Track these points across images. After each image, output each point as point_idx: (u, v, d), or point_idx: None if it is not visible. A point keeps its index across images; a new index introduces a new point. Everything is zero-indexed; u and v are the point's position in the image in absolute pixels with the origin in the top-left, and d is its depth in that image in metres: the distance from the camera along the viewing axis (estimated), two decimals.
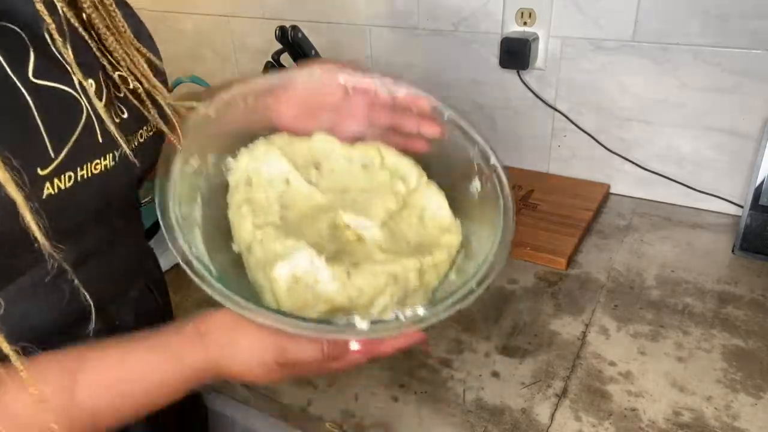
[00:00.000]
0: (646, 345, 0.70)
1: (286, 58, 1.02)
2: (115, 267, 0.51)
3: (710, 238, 0.92)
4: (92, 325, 0.47)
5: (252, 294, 0.46)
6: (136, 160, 0.44)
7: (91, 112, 0.41)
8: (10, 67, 0.36)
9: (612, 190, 1.07)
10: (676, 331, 0.72)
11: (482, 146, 0.54)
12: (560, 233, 0.91)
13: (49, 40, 0.39)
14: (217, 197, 0.51)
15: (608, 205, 1.03)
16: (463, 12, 1.06)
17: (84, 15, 0.41)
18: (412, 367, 0.67)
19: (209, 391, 0.71)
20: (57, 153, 0.38)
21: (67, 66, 0.39)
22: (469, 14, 1.06)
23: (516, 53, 1.00)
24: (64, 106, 0.39)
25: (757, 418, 0.59)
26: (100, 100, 0.41)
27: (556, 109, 1.05)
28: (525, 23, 1.02)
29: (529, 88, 1.06)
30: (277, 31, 0.98)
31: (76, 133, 0.40)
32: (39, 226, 0.35)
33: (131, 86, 0.45)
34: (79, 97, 0.40)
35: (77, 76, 0.39)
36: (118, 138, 0.41)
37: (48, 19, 0.37)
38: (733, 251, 0.88)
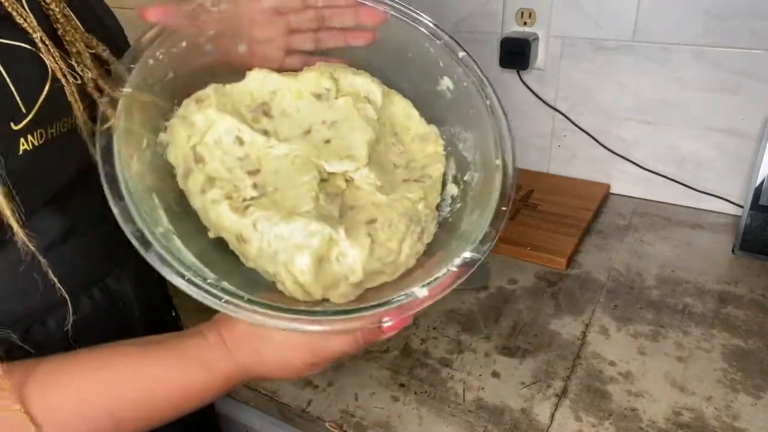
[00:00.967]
0: (646, 345, 0.70)
1: None
2: (108, 239, 0.51)
3: (710, 238, 0.92)
4: (84, 299, 0.48)
5: (254, 282, 0.42)
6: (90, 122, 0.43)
7: (59, 72, 0.41)
8: None
9: (612, 190, 1.07)
10: (676, 331, 0.72)
11: (445, 39, 0.49)
12: (560, 233, 0.91)
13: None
14: (167, 181, 0.44)
15: (608, 205, 1.03)
16: (463, 12, 1.06)
17: None
18: (412, 367, 0.67)
19: None
20: (29, 109, 0.39)
21: (24, 27, 0.39)
22: (469, 14, 1.06)
23: (516, 53, 1.00)
24: (28, 64, 0.40)
25: (757, 418, 0.59)
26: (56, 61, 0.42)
27: (556, 109, 1.05)
28: (525, 23, 1.02)
29: (529, 88, 1.06)
30: None
31: (45, 89, 0.40)
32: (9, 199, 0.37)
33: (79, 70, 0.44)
34: (42, 58, 0.40)
35: (38, 34, 0.39)
36: (73, 96, 0.41)
37: None
38: (733, 251, 0.88)
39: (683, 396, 0.62)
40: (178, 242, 0.39)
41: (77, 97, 0.41)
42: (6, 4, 0.38)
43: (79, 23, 0.43)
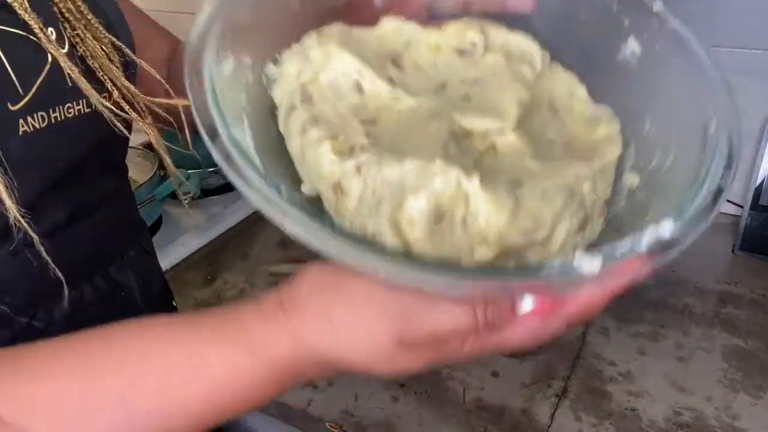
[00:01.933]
0: (646, 345, 0.70)
1: None
2: (106, 229, 0.51)
3: (710, 238, 0.92)
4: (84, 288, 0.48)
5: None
6: (105, 108, 0.43)
7: (57, 58, 0.42)
8: None
9: None
10: (676, 331, 0.72)
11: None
12: None
13: None
14: (266, 120, 0.36)
15: None
16: None
17: None
18: None
19: None
20: (26, 90, 0.40)
21: (21, 15, 0.40)
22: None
23: None
24: (25, 50, 0.40)
25: (757, 418, 0.59)
26: (63, 48, 0.42)
27: None
28: None
29: None
30: None
31: (43, 74, 0.41)
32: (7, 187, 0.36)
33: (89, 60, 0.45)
34: (40, 44, 0.41)
35: (34, 23, 0.40)
36: (82, 83, 0.42)
37: None
38: (733, 251, 0.88)
39: (683, 396, 0.62)
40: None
41: (84, 80, 0.42)
42: None
43: (82, 7, 0.44)
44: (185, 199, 0.77)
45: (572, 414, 0.61)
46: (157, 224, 0.96)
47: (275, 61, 0.37)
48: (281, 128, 0.36)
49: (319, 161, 0.33)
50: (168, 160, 0.52)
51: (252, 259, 0.87)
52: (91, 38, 0.44)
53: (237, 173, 0.27)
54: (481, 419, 0.60)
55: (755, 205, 0.84)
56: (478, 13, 0.41)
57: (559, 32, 0.41)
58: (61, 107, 0.42)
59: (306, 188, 0.34)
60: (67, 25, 0.43)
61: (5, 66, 0.39)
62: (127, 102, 0.46)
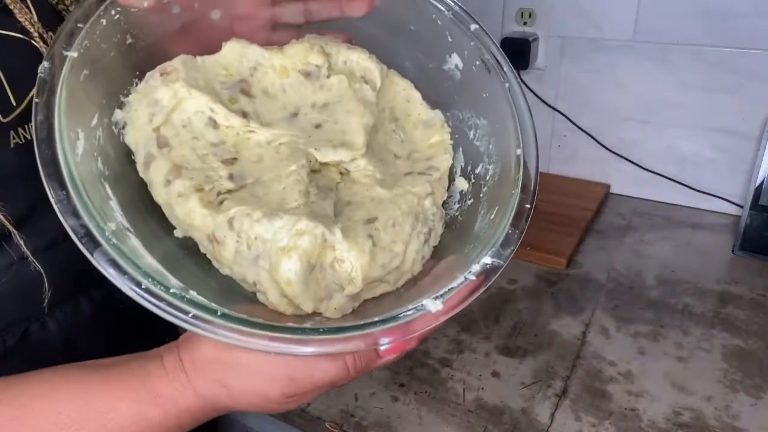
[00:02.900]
0: (646, 345, 0.70)
1: None
2: None
3: (710, 238, 0.92)
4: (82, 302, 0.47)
5: (230, 292, 0.36)
6: None
7: None
8: None
9: (612, 190, 1.07)
10: (676, 331, 0.72)
11: (456, 9, 0.41)
12: (560, 233, 0.91)
13: None
14: (126, 168, 0.37)
15: (608, 205, 1.03)
16: None
17: None
18: (412, 367, 0.67)
19: None
20: (19, 101, 0.39)
21: (23, 22, 0.39)
22: None
23: (516, 53, 1.00)
24: (22, 54, 0.39)
25: (757, 418, 0.59)
26: None
27: (556, 110, 1.05)
28: (525, 23, 1.02)
29: (529, 88, 1.06)
30: None
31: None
32: None
33: None
34: (39, 47, 0.40)
35: (34, 29, 0.39)
36: None
37: None
38: (733, 251, 0.88)
39: (683, 396, 0.62)
40: (135, 242, 0.32)
41: None
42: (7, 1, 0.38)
43: None
44: None
45: (572, 414, 0.61)
46: None
47: (120, 105, 0.37)
48: (142, 176, 0.37)
49: (189, 215, 0.35)
50: None
51: None
52: None
53: (117, 277, 0.30)
54: (481, 419, 0.60)
55: (755, 205, 0.84)
56: (318, 20, 0.45)
57: (395, 42, 0.45)
58: None
59: (179, 233, 0.36)
60: None
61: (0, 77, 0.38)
62: None
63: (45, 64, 0.32)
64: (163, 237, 0.36)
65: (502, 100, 0.40)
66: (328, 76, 0.42)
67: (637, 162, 1.02)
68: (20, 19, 0.39)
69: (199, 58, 0.40)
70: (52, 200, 0.30)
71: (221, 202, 0.35)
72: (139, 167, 0.37)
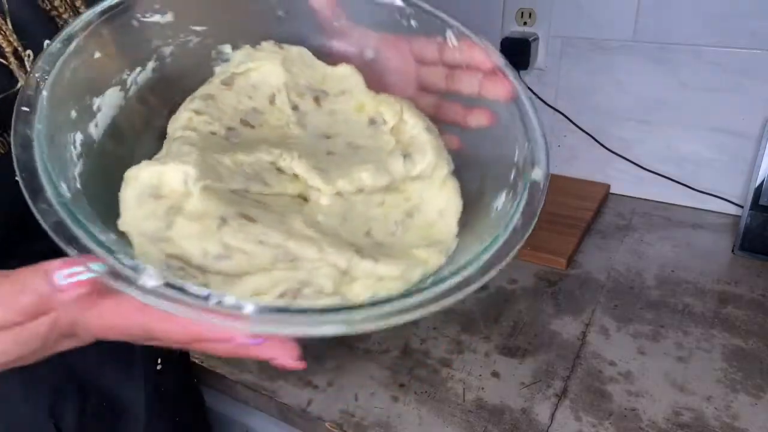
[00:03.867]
0: (646, 345, 0.70)
1: None
2: None
3: (710, 238, 0.92)
4: None
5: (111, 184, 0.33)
6: None
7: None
8: None
9: (612, 190, 1.07)
10: (676, 331, 0.72)
11: (536, 150, 0.36)
12: (560, 233, 0.91)
13: None
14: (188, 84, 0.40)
15: (608, 205, 1.03)
16: (463, 12, 1.06)
17: None
18: (412, 367, 0.67)
19: (208, 390, 0.71)
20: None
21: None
22: (469, 14, 1.06)
23: (516, 53, 1.00)
24: None
25: (757, 418, 0.59)
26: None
27: (556, 109, 1.05)
28: (525, 23, 1.02)
29: (529, 88, 1.05)
30: None
31: (6, 95, 0.39)
32: None
33: None
34: (10, 66, 0.39)
35: (8, 46, 0.39)
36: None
37: None
38: (733, 251, 0.88)
39: (683, 396, 0.62)
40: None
41: None
42: None
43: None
44: None
45: (572, 414, 0.61)
46: None
47: (234, 46, 0.42)
48: (198, 91, 0.40)
49: (173, 123, 0.37)
50: None
51: None
52: None
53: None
54: (481, 419, 0.60)
55: (755, 205, 0.84)
56: (445, 120, 0.42)
57: (476, 158, 0.41)
58: None
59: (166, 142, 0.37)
60: None
61: None
62: None
63: None
64: (136, 144, 0.37)
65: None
66: (385, 134, 0.41)
67: (637, 162, 1.02)
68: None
69: (315, 59, 0.43)
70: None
71: (196, 129, 0.37)
72: (204, 85, 0.40)
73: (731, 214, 0.97)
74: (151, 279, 0.26)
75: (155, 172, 0.33)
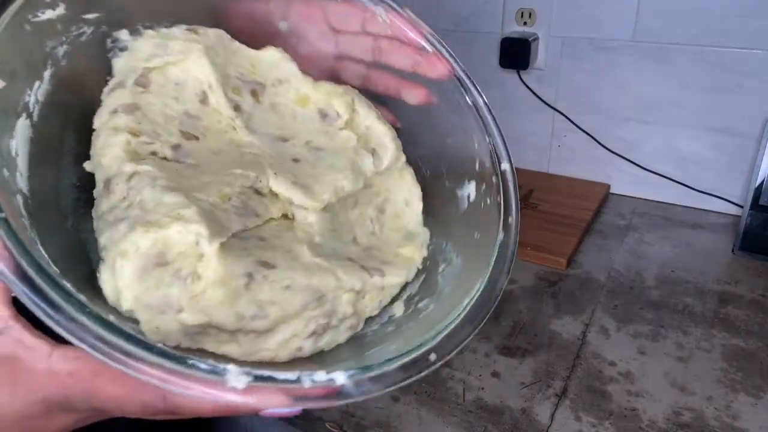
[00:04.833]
0: (646, 345, 0.70)
1: None
2: None
3: (710, 238, 0.92)
4: None
5: (75, 249, 0.31)
6: None
7: None
8: None
9: (612, 190, 1.07)
10: (676, 331, 0.72)
11: (496, 140, 0.37)
12: (560, 233, 0.91)
13: None
14: (76, 82, 0.33)
15: (608, 205, 1.03)
16: (463, 12, 1.06)
17: None
18: None
19: None
20: None
21: None
22: (469, 14, 1.06)
23: (516, 53, 1.00)
24: None
25: (757, 418, 0.59)
26: None
27: (556, 109, 1.05)
28: (525, 23, 1.02)
29: (529, 88, 1.06)
30: None
31: None
32: None
33: None
34: None
35: None
36: None
37: None
38: (733, 251, 0.88)
39: (683, 396, 0.62)
40: (19, 122, 0.29)
41: None
42: None
43: None
44: None
45: (572, 414, 0.61)
46: None
47: (133, 31, 0.35)
48: (102, 98, 0.34)
49: (105, 150, 0.32)
50: None
51: None
52: None
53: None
54: (481, 419, 0.60)
55: (755, 205, 0.84)
56: (374, 92, 0.41)
57: (423, 143, 0.41)
58: None
59: (88, 165, 0.33)
60: None
61: None
62: None
63: None
64: (69, 161, 0.33)
65: (488, 249, 0.34)
66: (341, 129, 0.39)
67: (637, 162, 1.02)
68: None
69: (236, 43, 0.38)
70: None
71: (144, 160, 0.32)
72: (106, 90, 0.34)
73: (731, 214, 0.97)
74: (239, 380, 0.23)
75: (158, 239, 0.28)
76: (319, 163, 0.38)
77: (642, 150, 1.02)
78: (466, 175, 0.38)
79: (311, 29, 0.41)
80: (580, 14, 0.97)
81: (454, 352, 0.29)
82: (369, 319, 0.36)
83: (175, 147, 0.34)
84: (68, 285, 0.24)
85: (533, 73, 1.05)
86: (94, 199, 0.32)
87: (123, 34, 0.35)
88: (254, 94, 0.38)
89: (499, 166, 0.37)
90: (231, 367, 0.24)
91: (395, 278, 0.36)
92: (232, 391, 0.23)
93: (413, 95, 0.40)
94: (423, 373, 0.28)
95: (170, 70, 0.35)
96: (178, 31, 0.36)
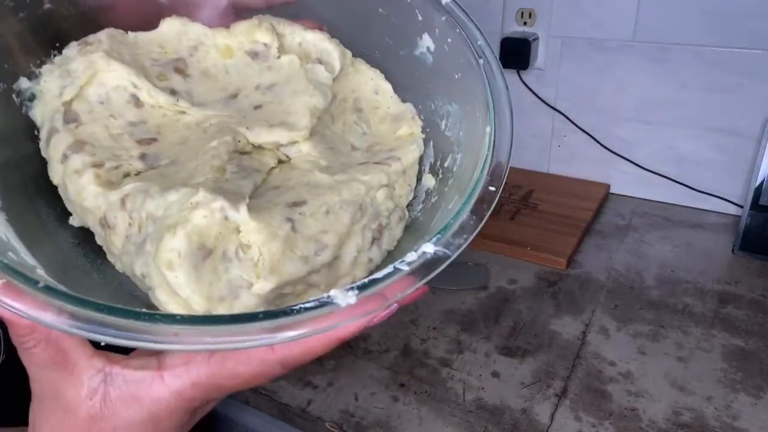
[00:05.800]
0: (646, 345, 0.70)
1: None
2: None
3: (710, 238, 0.92)
4: None
5: (118, 289, 0.30)
6: None
7: None
8: None
9: (612, 190, 1.07)
10: (676, 331, 0.72)
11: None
12: (560, 233, 0.91)
13: None
14: (21, 151, 0.32)
15: (608, 205, 1.03)
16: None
17: None
18: (412, 367, 0.67)
19: None
20: None
21: None
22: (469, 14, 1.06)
23: (516, 53, 1.00)
24: None
25: (757, 418, 0.59)
26: None
27: (556, 109, 1.05)
28: (525, 23, 1.02)
29: (529, 88, 1.06)
30: None
31: None
32: None
33: None
34: None
35: None
36: None
37: None
38: (733, 251, 0.88)
39: (683, 396, 0.62)
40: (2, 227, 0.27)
41: None
42: None
43: None
44: None
45: (572, 414, 0.61)
46: None
47: (30, 76, 0.33)
48: (43, 154, 0.32)
49: (82, 194, 0.30)
50: None
51: None
52: None
53: None
54: (481, 419, 0.60)
55: (755, 205, 0.84)
56: (280, 4, 0.40)
57: (362, 28, 0.40)
58: None
59: (74, 221, 0.32)
60: None
61: None
62: None
63: None
64: (57, 229, 0.31)
65: (475, 78, 0.34)
66: (278, 57, 0.38)
67: (637, 162, 1.02)
68: None
69: (131, 34, 0.36)
70: None
71: (123, 181, 0.31)
72: (42, 144, 0.32)
73: (731, 214, 0.97)
74: (348, 297, 0.24)
75: (190, 233, 0.27)
76: (280, 98, 0.37)
77: (642, 150, 1.01)
78: (414, 32, 0.38)
79: None
80: (580, 14, 0.97)
81: (506, 172, 0.30)
82: (410, 206, 0.37)
83: (142, 156, 0.32)
84: (142, 311, 0.23)
85: (533, 73, 1.05)
86: (100, 247, 0.31)
87: (23, 83, 0.33)
88: (179, 71, 0.36)
89: (440, 2, 0.36)
90: (333, 292, 0.24)
91: (410, 155, 0.37)
92: (348, 312, 0.23)
93: None
94: (493, 204, 0.29)
95: (88, 91, 0.33)
96: (72, 51, 0.34)
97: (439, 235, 0.27)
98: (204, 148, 0.33)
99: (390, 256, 0.34)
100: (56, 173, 0.31)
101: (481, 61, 0.34)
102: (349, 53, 0.40)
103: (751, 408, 0.60)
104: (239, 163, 0.33)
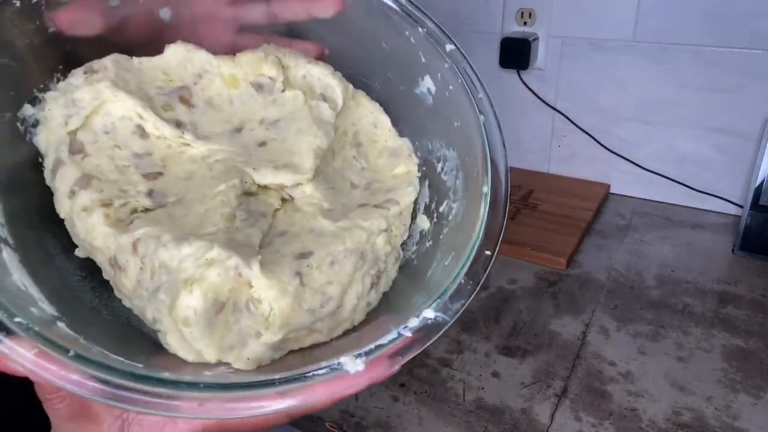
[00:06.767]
0: (646, 345, 0.70)
1: None
2: None
3: (710, 238, 0.92)
4: None
5: (125, 325, 0.31)
6: None
7: None
8: None
9: (612, 190, 1.07)
10: (676, 331, 0.72)
11: (429, 27, 0.36)
12: (560, 233, 0.91)
13: None
14: (26, 177, 0.32)
15: (608, 205, 1.03)
16: (464, 12, 1.06)
17: None
18: (412, 367, 0.67)
19: None
20: None
21: None
22: (469, 14, 1.06)
23: (516, 53, 1.00)
24: None
25: (757, 418, 0.59)
26: None
27: (556, 109, 1.05)
28: (525, 23, 1.02)
29: (529, 88, 1.06)
30: None
31: None
32: None
33: None
34: None
35: None
36: None
37: None
38: (733, 251, 0.88)
39: (683, 396, 0.62)
40: (7, 256, 0.27)
41: None
42: None
43: None
44: None
45: (572, 414, 0.61)
46: None
47: (34, 101, 0.32)
48: (48, 184, 0.32)
49: (91, 233, 0.30)
50: None
51: None
52: None
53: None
54: (481, 419, 0.60)
55: (755, 205, 0.84)
56: (284, 22, 0.40)
57: (364, 60, 0.40)
58: None
59: (81, 253, 0.32)
60: None
61: None
62: None
63: None
64: (62, 259, 0.31)
65: (474, 131, 0.35)
66: (283, 91, 0.38)
67: (637, 162, 1.02)
68: None
69: (135, 59, 0.35)
70: None
71: (132, 222, 0.31)
72: (47, 174, 0.32)
73: (731, 214, 0.97)
74: (357, 365, 0.26)
75: (205, 291, 0.28)
76: (284, 135, 0.37)
77: (642, 150, 1.02)
78: (417, 72, 0.38)
79: (196, 3, 0.38)
80: (580, 14, 0.97)
81: (500, 236, 0.31)
82: (404, 246, 0.38)
83: (149, 193, 0.32)
84: (157, 374, 0.24)
85: (533, 73, 1.05)
86: (107, 281, 0.31)
87: (27, 110, 0.32)
88: (184, 101, 0.36)
89: (444, 49, 0.36)
90: (342, 359, 0.26)
91: (406, 198, 0.38)
92: (357, 377, 0.26)
93: (324, 7, 0.37)
94: (487, 270, 0.30)
95: (93, 121, 0.33)
96: (77, 78, 0.33)
97: (438, 300, 0.29)
98: (212, 190, 0.33)
99: (385, 297, 0.35)
100: (63, 207, 0.31)
101: (482, 118, 0.34)
102: (350, 87, 0.40)
103: (751, 408, 0.60)
104: (247, 207, 0.33)
